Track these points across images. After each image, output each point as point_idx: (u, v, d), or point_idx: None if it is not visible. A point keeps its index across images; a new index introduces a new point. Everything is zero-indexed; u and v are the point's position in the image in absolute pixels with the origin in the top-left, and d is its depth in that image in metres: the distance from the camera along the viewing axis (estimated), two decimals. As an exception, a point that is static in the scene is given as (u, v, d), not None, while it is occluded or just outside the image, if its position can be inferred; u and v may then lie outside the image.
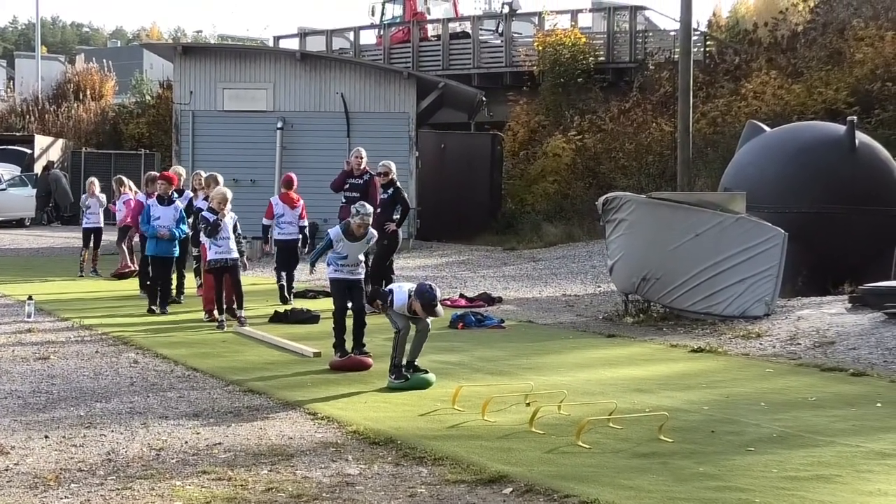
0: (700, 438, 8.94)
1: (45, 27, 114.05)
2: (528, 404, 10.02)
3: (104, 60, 64.00)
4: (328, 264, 13.03)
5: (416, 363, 11.53)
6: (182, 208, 17.74)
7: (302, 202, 19.20)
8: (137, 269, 20.98)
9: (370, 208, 12.75)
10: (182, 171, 19.31)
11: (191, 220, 17.92)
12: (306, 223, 19.31)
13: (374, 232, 13.11)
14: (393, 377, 11.32)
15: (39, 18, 71.83)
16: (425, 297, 11.23)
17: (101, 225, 24.07)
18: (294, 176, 19.62)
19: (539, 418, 9.28)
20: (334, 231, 12.71)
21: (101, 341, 14.39)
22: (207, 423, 9.50)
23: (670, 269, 16.14)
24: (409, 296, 11.32)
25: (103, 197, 24.36)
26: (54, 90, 59.12)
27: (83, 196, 24.42)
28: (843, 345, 13.43)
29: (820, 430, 9.25)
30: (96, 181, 24.46)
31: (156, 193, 18.45)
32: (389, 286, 12.29)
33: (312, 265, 13.69)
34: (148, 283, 18.73)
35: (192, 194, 18.59)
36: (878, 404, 10.35)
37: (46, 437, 8.95)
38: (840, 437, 8.95)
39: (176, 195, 17.96)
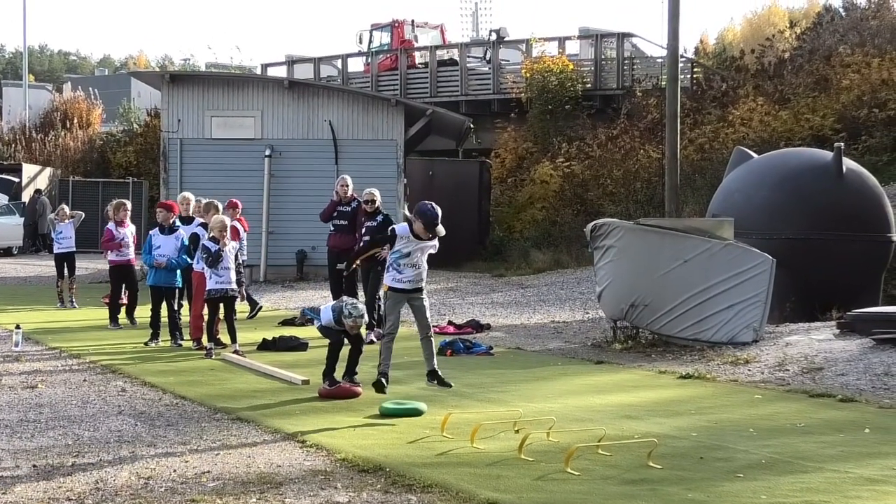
0: (689, 465, 8.94)
1: (32, 55, 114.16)
2: (516, 431, 10.01)
3: (91, 89, 64.14)
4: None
5: (437, 372, 11.63)
6: (184, 237, 17.26)
7: (247, 224, 20.95)
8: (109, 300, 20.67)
9: (363, 308, 12.47)
10: (191, 196, 18.91)
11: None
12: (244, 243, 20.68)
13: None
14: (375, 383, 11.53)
15: (27, 47, 71.89)
16: (427, 216, 11.02)
17: (74, 250, 23.39)
18: (238, 201, 20.84)
19: (528, 445, 9.27)
20: (326, 318, 12.41)
21: (89, 370, 14.34)
22: (196, 452, 9.47)
23: (659, 296, 16.15)
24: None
25: (77, 217, 23.67)
26: (42, 118, 59.20)
27: (52, 217, 23.79)
28: (832, 371, 13.44)
29: (809, 456, 9.25)
30: (66, 208, 24.10)
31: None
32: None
33: (312, 320, 13.65)
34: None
35: (201, 220, 18.15)
36: (867, 430, 10.36)
37: (34, 465, 8.91)
38: (829, 463, 8.95)
39: (179, 223, 17.69)
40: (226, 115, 29.85)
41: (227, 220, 16.20)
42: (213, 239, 15.71)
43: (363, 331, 12.91)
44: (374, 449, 9.51)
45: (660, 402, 12.08)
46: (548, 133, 38.14)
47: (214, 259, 15.51)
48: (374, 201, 17.80)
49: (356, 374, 12.58)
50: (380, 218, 17.79)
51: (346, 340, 12.51)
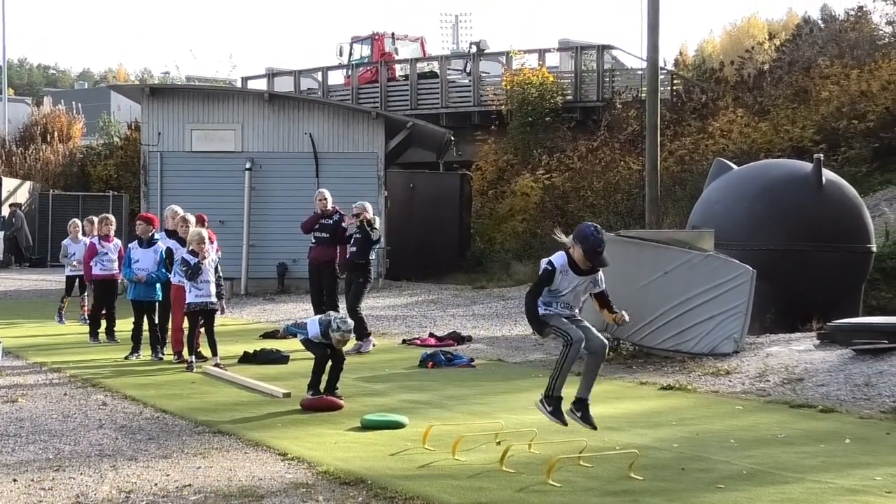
0: (670, 476, 8.95)
1: (11, 69, 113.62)
2: (498, 443, 10.00)
3: (72, 102, 63.89)
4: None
5: (587, 403, 10.30)
6: (163, 250, 17.10)
7: (215, 237, 19.74)
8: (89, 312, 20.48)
9: (351, 323, 12.54)
10: (180, 210, 18.67)
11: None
12: (220, 255, 19.64)
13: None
14: (549, 409, 10.23)
15: (6, 60, 71.66)
16: (590, 241, 9.42)
17: (82, 272, 23.25)
18: (205, 216, 20.08)
19: (509, 457, 9.28)
20: (313, 331, 12.49)
21: (70, 384, 14.30)
22: (177, 465, 9.45)
23: (639, 307, 16.13)
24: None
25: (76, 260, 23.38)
26: (21, 132, 58.93)
27: (66, 241, 23.33)
28: (812, 381, 13.47)
29: (789, 466, 9.27)
30: (79, 222, 23.59)
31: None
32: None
33: (295, 336, 13.58)
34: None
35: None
36: (847, 440, 10.39)
37: (15, 480, 8.88)
38: (809, 474, 8.98)
39: (167, 236, 17.59)
40: (206, 128, 29.81)
41: (205, 233, 16.18)
42: (192, 252, 15.70)
43: (351, 342, 12.93)
44: (355, 461, 9.50)
45: (641, 413, 12.10)
46: (528, 145, 38.13)
47: (194, 272, 15.50)
48: (359, 215, 17.80)
49: (337, 388, 12.59)
50: (369, 231, 17.72)
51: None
